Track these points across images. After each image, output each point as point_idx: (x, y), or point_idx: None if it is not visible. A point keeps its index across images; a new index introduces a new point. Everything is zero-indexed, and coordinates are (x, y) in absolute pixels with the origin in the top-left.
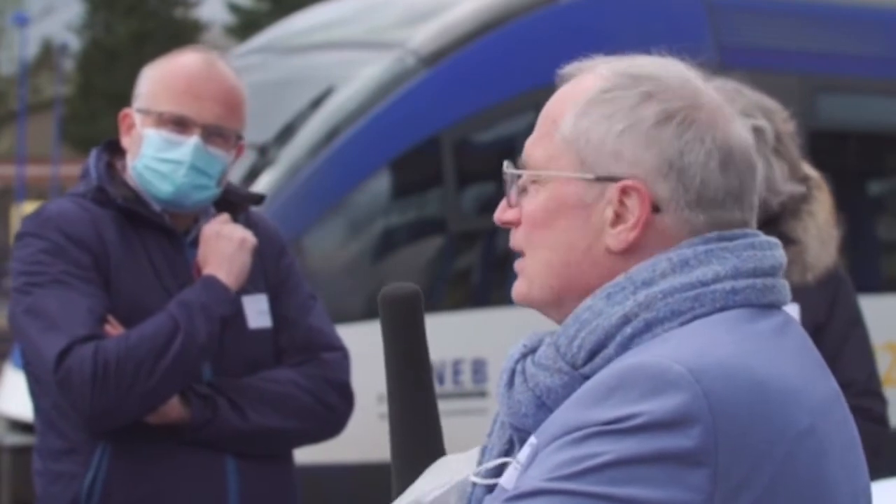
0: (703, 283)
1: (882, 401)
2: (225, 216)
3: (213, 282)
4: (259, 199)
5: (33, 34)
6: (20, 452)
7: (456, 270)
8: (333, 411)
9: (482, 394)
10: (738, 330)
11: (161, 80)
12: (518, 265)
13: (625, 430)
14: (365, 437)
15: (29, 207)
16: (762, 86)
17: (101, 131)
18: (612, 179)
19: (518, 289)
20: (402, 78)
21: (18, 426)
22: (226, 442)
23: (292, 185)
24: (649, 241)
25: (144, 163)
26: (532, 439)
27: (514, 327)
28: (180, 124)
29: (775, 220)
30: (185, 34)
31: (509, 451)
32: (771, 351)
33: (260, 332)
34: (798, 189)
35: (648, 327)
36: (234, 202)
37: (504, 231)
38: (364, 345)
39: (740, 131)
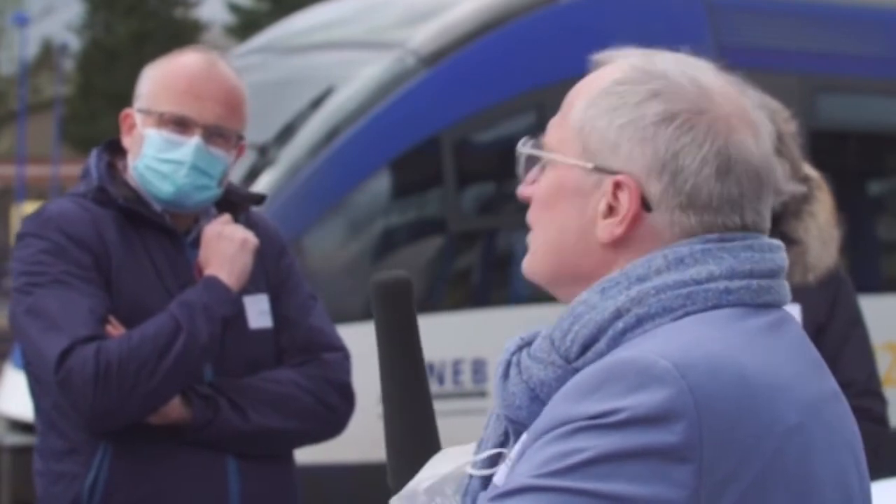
0: (697, 282)
1: (882, 401)
2: (226, 217)
3: (214, 282)
4: (260, 199)
5: (33, 34)
6: (20, 452)
7: (456, 270)
8: (334, 412)
9: (482, 394)
10: (728, 326)
11: (162, 80)
12: (528, 239)
13: (609, 424)
14: (365, 437)
15: (29, 207)
16: (762, 86)
17: (101, 131)
18: (609, 172)
19: (524, 262)
20: (402, 78)
21: (18, 426)
22: (227, 442)
23: (292, 185)
24: (638, 237)
25: (145, 163)
26: (524, 436)
27: (514, 327)
28: (181, 124)
29: (776, 221)
30: (185, 34)
31: (504, 442)
32: (760, 347)
33: (261, 333)
34: (799, 189)
35: (640, 322)
36: (234, 202)
37: (504, 231)
38: (364, 345)
39: (749, 141)
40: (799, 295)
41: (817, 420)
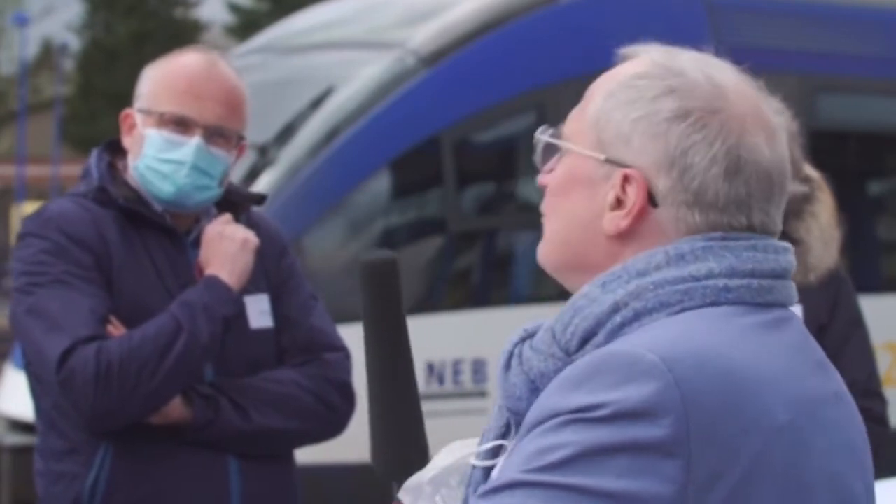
0: (695, 278)
1: (882, 401)
2: (227, 216)
3: (215, 282)
4: (260, 199)
5: (33, 34)
6: (20, 452)
7: (456, 270)
8: (335, 411)
9: (482, 394)
10: (722, 322)
11: (162, 80)
12: (543, 227)
13: (597, 418)
14: (365, 438)
15: (29, 207)
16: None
17: (101, 131)
18: (619, 164)
19: (538, 250)
20: (402, 78)
21: (19, 426)
22: (228, 442)
23: (292, 185)
24: (644, 231)
25: (146, 163)
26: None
27: (514, 327)
28: (182, 124)
29: None
30: (185, 34)
31: (506, 434)
32: (753, 344)
33: (262, 333)
34: (801, 189)
35: (637, 317)
36: (235, 202)
37: (504, 231)
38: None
39: (762, 143)
40: (800, 295)
41: (812, 419)
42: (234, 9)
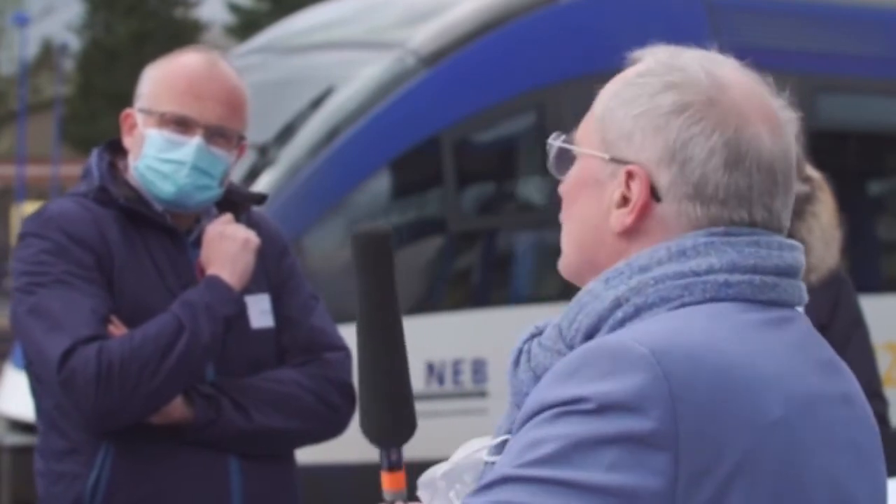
0: (696, 273)
1: (883, 401)
2: (228, 216)
3: (216, 282)
4: (261, 198)
5: (33, 34)
6: (20, 452)
7: (456, 270)
8: (336, 411)
9: (482, 394)
10: (720, 318)
11: (163, 80)
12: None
13: (584, 411)
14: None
15: (29, 207)
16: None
17: (101, 131)
18: (622, 162)
19: (559, 261)
20: (402, 78)
21: (19, 426)
22: (229, 442)
23: (292, 185)
24: (649, 227)
25: (146, 163)
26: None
27: (514, 327)
28: (182, 124)
29: None
30: (185, 34)
31: None
32: (751, 341)
33: (262, 332)
34: (802, 189)
35: (638, 312)
36: (236, 202)
37: (504, 231)
38: None
39: (763, 135)
40: None
41: (810, 418)
42: (234, 9)
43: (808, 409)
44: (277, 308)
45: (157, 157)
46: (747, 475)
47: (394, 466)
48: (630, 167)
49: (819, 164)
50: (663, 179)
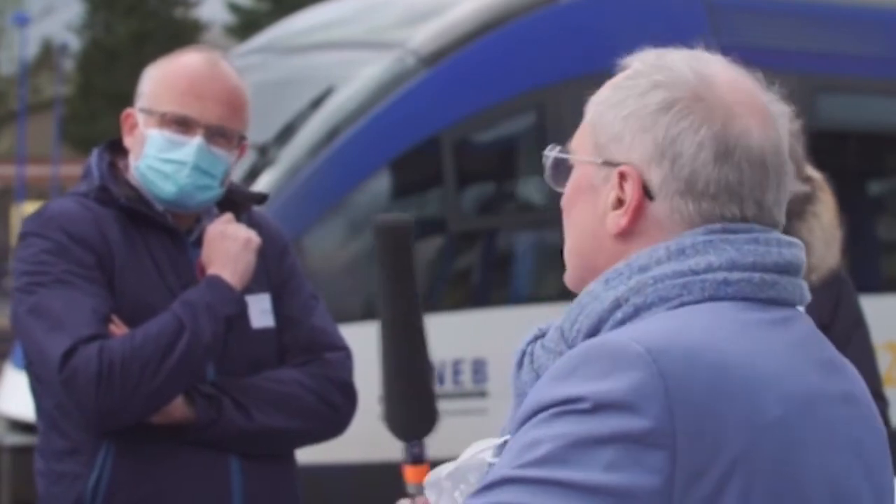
0: (694, 272)
1: (883, 401)
2: (228, 216)
3: (217, 281)
4: (262, 198)
5: (33, 34)
6: (20, 452)
7: (456, 270)
8: (337, 411)
9: (482, 394)
10: (719, 316)
11: (164, 80)
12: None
13: (580, 410)
14: (366, 437)
15: (29, 207)
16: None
17: (101, 131)
18: (614, 164)
19: (565, 275)
20: (402, 78)
21: (19, 426)
22: (230, 442)
23: (292, 185)
24: (645, 228)
25: (147, 163)
26: None
27: (514, 327)
28: (183, 124)
29: None
30: (185, 34)
31: None
32: (751, 340)
33: (263, 332)
34: (803, 188)
35: (637, 312)
36: (236, 202)
37: (504, 231)
38: (364, 345)
39: (753, 128)
40: None
41: (810, 417)
42: (234, 9)
43: (808, 408)
44: (278, 308)
45: (159, 157)
46: (744, 474)
47: (417, 460)
48: (622, 168)
49: (819, 164)
50: (655, 177)
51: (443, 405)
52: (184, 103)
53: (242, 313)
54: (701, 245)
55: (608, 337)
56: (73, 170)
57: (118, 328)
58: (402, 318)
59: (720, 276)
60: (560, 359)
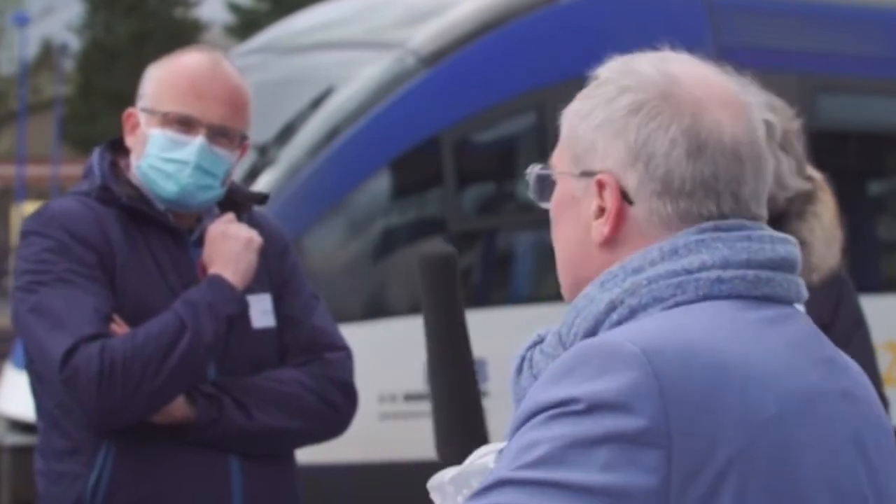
0: (688, 271)
1: (884, 401)
2: (230, 215)
3: (219, 281)
4: (263, 198)
5: (33, 34)
6: (20, 452)
7: None
8: (338, 411)
9: (482, 394)
10: (715, 315)
11: (166, 79)
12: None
13: (575, 412)
14: (366, 437)
15: (29, 207)
16: (762, 86)
17: (101, 131)
18: (592, 174)
19: (562, 290)
20: (402, 78)
21: (19, 426)
22: (231, 442)
23: (292, 185)
24: (628, 233)
25: (149, 162)
26: None
27: (514, 327)
28: (185, 124)
29: (780, 221)
30: (185, 34)
31: None
32: (748, 339)
33: (264, 332)
34: (804, 186)
35: (632, 313)
36: (237, 201)
37: (504, 231)
38: (364, 345)
39: (724, 121)
40: None
41: (808, 415)
42: (234, 9)
43: (807, 405)
44: (279, 308)
45: (160, 157)
46: (740, 473)
47: None
48: (599, 177)
49: (819, 164)
50: (631, 181)
51: None
52: (186, 103)
53: (244, 313)
54: (693, 244)
55: (603, 337)
56: (73, 170)
57: (120, 327)
58: (450, 354)
59: (714, 274)
60: (554, 362)
